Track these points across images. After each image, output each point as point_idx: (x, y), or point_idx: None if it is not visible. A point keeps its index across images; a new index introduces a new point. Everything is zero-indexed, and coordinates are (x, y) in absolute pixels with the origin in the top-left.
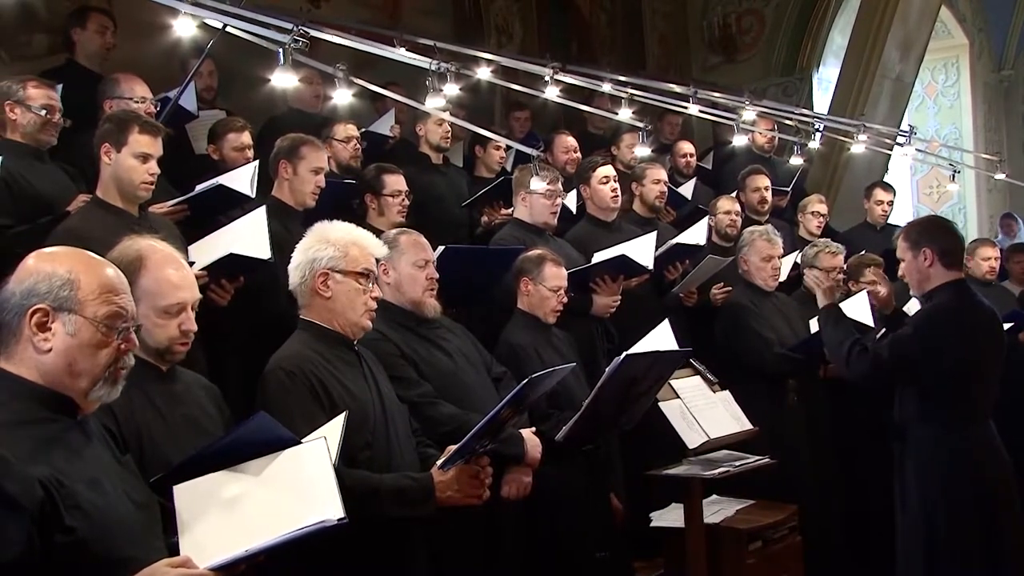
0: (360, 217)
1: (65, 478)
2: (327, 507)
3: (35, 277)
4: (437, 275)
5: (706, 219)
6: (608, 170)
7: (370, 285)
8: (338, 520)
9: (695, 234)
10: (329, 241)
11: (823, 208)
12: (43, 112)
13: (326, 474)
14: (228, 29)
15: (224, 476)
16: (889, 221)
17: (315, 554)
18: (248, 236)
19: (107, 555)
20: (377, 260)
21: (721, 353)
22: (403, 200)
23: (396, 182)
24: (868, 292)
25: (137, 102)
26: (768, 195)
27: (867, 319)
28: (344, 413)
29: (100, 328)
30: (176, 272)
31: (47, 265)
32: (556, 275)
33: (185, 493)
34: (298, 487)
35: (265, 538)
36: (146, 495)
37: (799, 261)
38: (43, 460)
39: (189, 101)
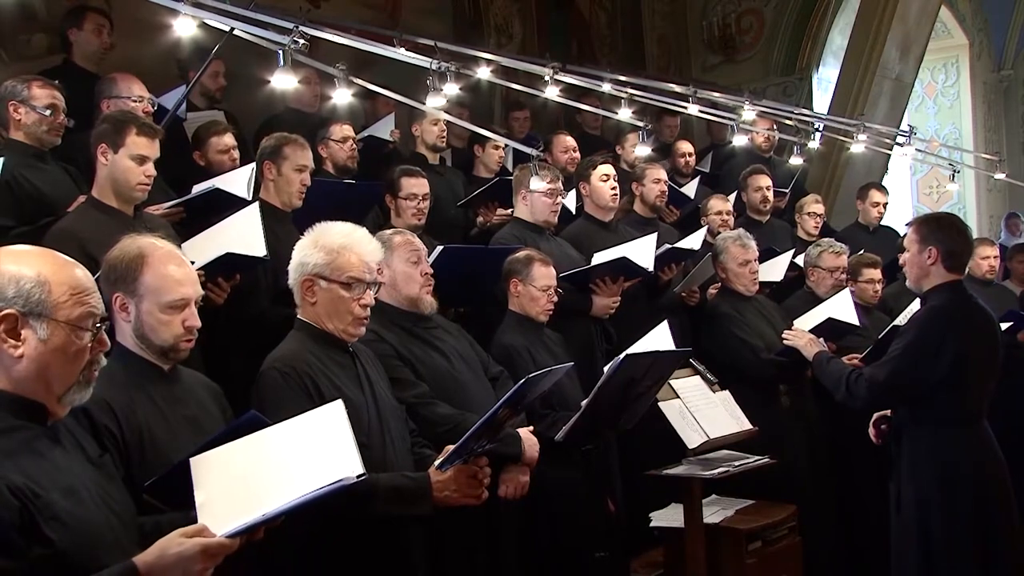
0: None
1: (40, 488)
2: (345, 465)
3: (1, 280)
4: (432, 270)
5: (705, 228)
6: (608, 168)
7: (357, 293)
8: (357, 477)
9: (692, 241)
10: (320, 246)
11: (820, 208)
12: (47, 112)
13: (344, 433)
14: (228, 29)
15: (240, 444)
16: (882, 223)
17: (314, 555)
18: (243, 234)
19: (86, 566)
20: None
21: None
22: (418, 204)
23: (412, 185)
24: (852, 290)
25: (135, 101)
26: (770, 194)
27: (851, 317)
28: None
29: (75, 331)
30: (178, 268)
31: (12, 267)
32: (545, 274)
33: (202, 465)
34: (315, 449)
35: (282, 501)
36: (123, 500)
37: (802, 263)
38: (15, 470)
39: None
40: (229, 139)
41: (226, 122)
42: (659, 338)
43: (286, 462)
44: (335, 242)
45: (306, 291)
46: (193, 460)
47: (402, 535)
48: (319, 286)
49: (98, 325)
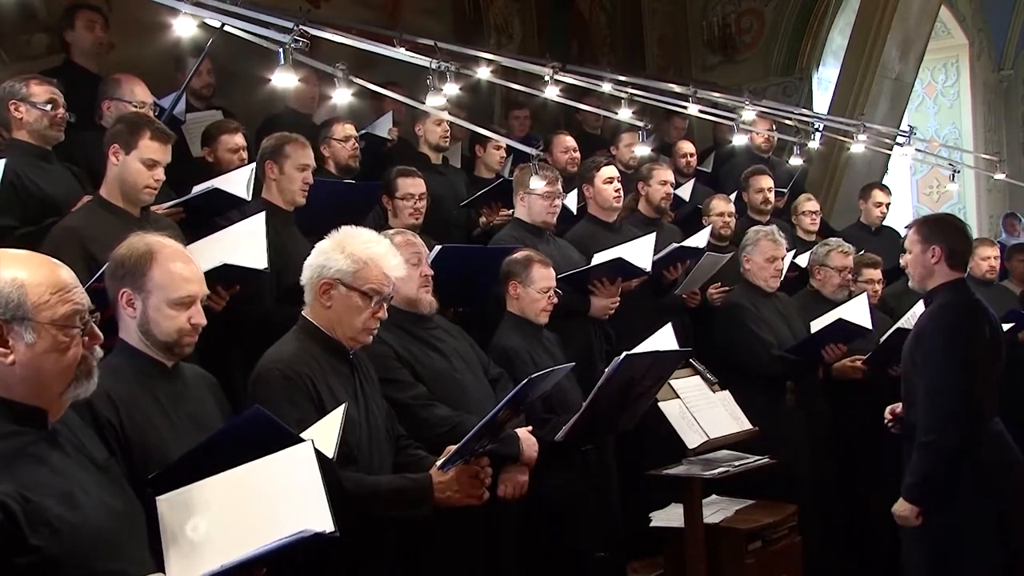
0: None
1: (32, 493)
2: (315, 518)
3: None
4: (431, 271)
5: (710, 226)
6: (612, 170)
7: (373, 304)
8: (327, 532)
9: (698, 239)
10: (347, 252)
11: (813, 205)
12: (48, 107)
13: (313, 482)
14: (228, 28)
15: (208, 484)
16: (884, 223)
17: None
18: (245, 244)
19: (81, 571)
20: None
21: (721, 353)
22: (415, 204)
23: (409, 185)
24: (868, 294)
25: (135, 106)
26: (771, 196)
27: (866, 322)
28: (343, 405)
29: (62, 331)
30: (186, 266)
31: None
32: (544, 276)
33: (169, 504)
34: (284, 496)
35: (246, 550)
36: (128, 502)
37: (803, 263)
38: (6, 477)
39: (178, 106)
40: (239, 139)
41: (236, 122)
42: (663, 341)
43: (252, 508)
44: (363, 252)
45: (322, 293)
46: (160, 499)
47: (374, 539)
48: (338, 291)
49: (86, 320)
